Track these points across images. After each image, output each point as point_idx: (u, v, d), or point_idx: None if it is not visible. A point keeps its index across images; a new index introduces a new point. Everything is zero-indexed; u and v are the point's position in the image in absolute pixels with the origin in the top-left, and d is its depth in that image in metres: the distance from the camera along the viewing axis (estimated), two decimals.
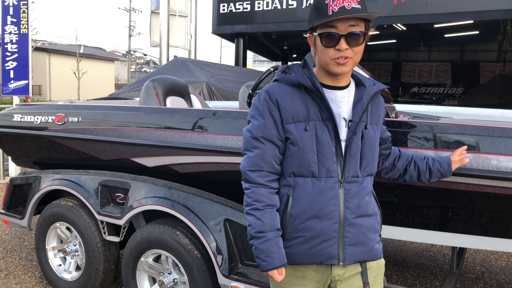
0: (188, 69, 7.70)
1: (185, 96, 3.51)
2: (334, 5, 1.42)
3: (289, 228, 1.57)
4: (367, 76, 1.68)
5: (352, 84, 1.62)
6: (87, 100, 4.41)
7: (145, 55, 50.72)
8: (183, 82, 3.59)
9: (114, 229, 3.04)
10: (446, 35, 17.69)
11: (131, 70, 45.85)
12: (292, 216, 1.56)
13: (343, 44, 1.45)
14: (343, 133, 1.55)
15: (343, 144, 1.54)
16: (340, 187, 1.53)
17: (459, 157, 1.85)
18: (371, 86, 1.61)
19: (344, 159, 1.54)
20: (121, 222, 2.85)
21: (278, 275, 1.54)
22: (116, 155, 2.96)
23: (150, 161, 2.84)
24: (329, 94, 1.56)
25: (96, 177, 3.05)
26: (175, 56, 9.19)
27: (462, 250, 3.08)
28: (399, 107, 4.49)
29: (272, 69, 2.94)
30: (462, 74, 20.46)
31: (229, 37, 14.43)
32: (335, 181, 1.53)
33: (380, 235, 1.65)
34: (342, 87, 1.58)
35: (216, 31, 13.15)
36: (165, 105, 3.28)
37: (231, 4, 12.75)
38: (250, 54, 25.63)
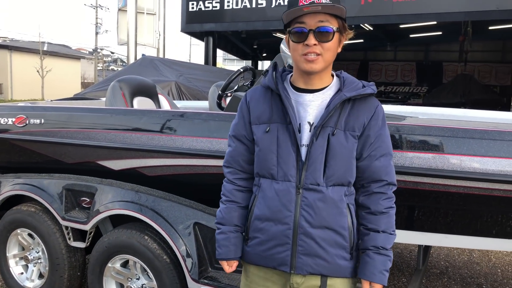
0: (156, 68, 7.59)
1: (153, 96, 3.45)
2: (304, 1, 1.41)
3: (251, 227, 1.59)
4: (363, 82, 1.56)
5: (333, 88, 1.53)
6: (51, 100, 4.26)
7: (112, 53, 49.73)
8: (150, 82, 3.52)
9: (80, 235, 2.94)
10: (411, 36, 18.20)
11: (98, 68, 44.78)
12: (254, 215, 1.57)
13: (311, 39, 1.42)
14: (305, 137, 1.49)
15: (303, 150, 1.49)
16: (297, 193, 1.49)
17: None
18: (350, 91, 1.50)
19: (304, 164, 1.48)
20: (86, 227, 2.76)
21: (226, 266, 1.66)
22: (81, 158, 2.87)
23: (116, 164, 2.77)
24: (297, 97, 1.53)
25: (60, 181, 2.94)
26: (143, 55, 9.02)
27: (427, 247, 3.15)
28: None
29: (242, 70, 2.92)
30: (426, 74, 21.11)
31: (198, 35, 14.33)
32: (293, 186, 1.49)
33: (351, 253, 1.52)
34: (315, 90, 1.52)
35: (185, 29, 13.02)
36: (132, 106, 3.21)
37: (200, 3, 12.67)
38: (220, 52, 25.52)
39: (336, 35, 1.46)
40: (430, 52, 21.40)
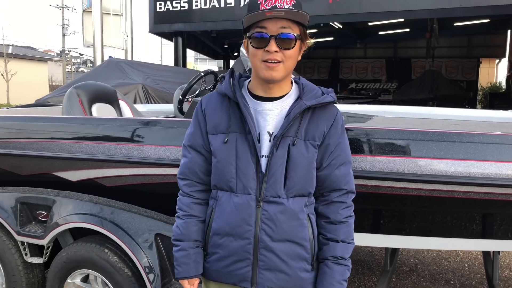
0: (122, 71, 7.40)
1: (113, 102, 3.33)
2: (266, 5, 1.35)
3: (210, 243, 1.52)
4: (322, 89, 1.54)
5: (292, 96, 1.49)
6: (7, 108, 4.08)
7: (81, 54, 48.52)
8: (110, 87, 3.40)
9: (38, 250, 2.81)
10: (380, 33, 18.47)
11: (67, 70, 43.67)
12: (213, 230, 1.51)
13: (272, 45, 1.36)
14: (265, 148, 1.44)
15: (263, 161, 1.43)
16: (257, 207, 1.43)
17: None
18: (310, 99, 1.46)
19: (264, 176, 1.43)
20: (43, 242, 2.64)
21: (187, 285, 1.56)
22: (36, 170, 2.74)
23: (74, 175, 2.65)
24: (256, 106, 1.47)
25: (14, 194, 2.80)
26: (110, 57, 8.80)
27: (395, 248, 3.16)
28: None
29: (202, 74, 2.84)
30: (396, 70, 21.50)
31: (167, 36, 14.14)
32: (252, 199, 1.43)
33: (312, 264, 1.49)
34: (274, 98, 1.47)
35: (153, 30, 12.81)
36: (90, 113, 3.09)
37: (168, 3, 12.49)
38: (191, 52, 25.26)
39: (298, 43, 1.42)
40: (399, 49, 21.78)
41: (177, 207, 1.58)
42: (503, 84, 21.39)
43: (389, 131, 2.01)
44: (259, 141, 1.44)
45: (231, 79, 1.51)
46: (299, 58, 1.47)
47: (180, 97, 2.81)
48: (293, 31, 1.39)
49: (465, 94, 16.47)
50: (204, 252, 1.55)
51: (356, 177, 1.91)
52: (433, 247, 2.25)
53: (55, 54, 46.49)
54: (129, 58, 13.01)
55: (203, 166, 1.53)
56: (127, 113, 3.38)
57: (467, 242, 2.22)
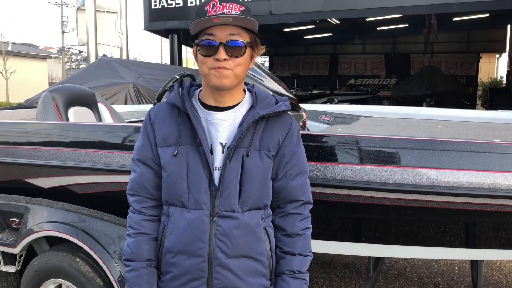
0: (113, 70, 7.35)
1: (91, 105, 3.25)
2: (214, 11, 1.30)
3: (163, 261, 1.45)
4: (277, 96, 1.49)
5: (245, 105, 1.44)
6: None
7: (80, 51, 48.38)
8: (88, 90, 3.32)
9: (13, 257, 2.75)
10: (378, 28, 18.35)
11: (67, 67, 43.60)
12: (165, 248, 1.43)
13: (221, 53, 1.31)
14: (218, 160, 1.38)
15: (216, 173, 1.37)
16: (211, 222, 1.36)
17: None
18: (264, 108, 1.40)
19: (217, 190, 1.36)
20: (15, 250, 2.58)
21: None
22: (7, 177, 2.68)
23: (46, 182, 2.59)
24: (207, 116, 1.41)
25: None
26: (104, 55, 8.75)
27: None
28: (322, 107, 4.49)
29: (177, 77, 2.76)
30: (395, 66, 21.36)
31: (163, 33, 14.06)
32: (206, 214, 1.36)
33: (270, 279, 1.45)
34: (227, 108, 1.41)
35: (148, 28, 12.74)
36: (66, 117, 3.02)
37: (163, 0, 12.39)
38: (189, 49, 25.21)
39: (248, 50, 1.37)
40: (398, 45, 21.63)
41: (127, 225, 1.50)
42: (504, 79, 21.23)
43: (361, 138, 1.93)
44: (211, 152, 1.38)
45: (180, 89, 1.44)
46: (251, 65, 1.43)
47: (155, 100, 2.73)
48: (243, 38, 1.34)
49: (464, 90, 16.34)
50: (157, 271, 1.48)
51: (328, 186, 1.85)
52: (410, 255, 2.18)
53: (56, 51, 46.42)
54: (124, 56, 12.94)
55: (153, 180, 1.45)
56: (106, 116, 3.31)
57: (446, 251, 2.16)
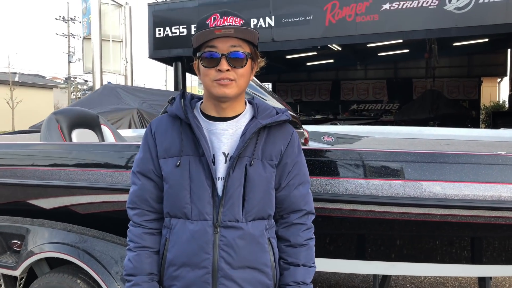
0: (118, 96, 7.44)
1: (95, 127, 3.29)
2: (215, 25, 1.33)
3: (165, 275, 1.43)
4: (277, 107, 1.51)
5: (247, 116, 1.45)
6: None
7: (86, 81, 49.12)
8: (91, 112, 3.37)
9: (14, 280, 2.72)
10: (379, 54, 18.53)
11: (73, 97, 44.17)
12: (167, 261, 1.42)
13: (224, 64, 1.34)
14: (221, 170, 1.38)
15: (219, 183, 1.37)
16: (214, 233, 1.36)
17: None
18: (265, 118, 1.43)
19: (221, 200, 1.36)
20: (16, 272, 2.55)
21: None
22: (9, 198, 2.68)
23: (48, 203, 2.59)
24: (209, 126, 1.42)
25: None
26: (108, 82, 8.88)
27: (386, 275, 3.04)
28: (324, 128, 4.50)
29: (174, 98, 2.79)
30: (397, 90, 21.47)
31: (167, 61, 14.29)
32: (209, 225, 1.36)
33: None
34: (228, 118, 1.43)
35: (152, 56, 12.96)
36: (70, 139, 3.04)
37: (167, 29, 12.67)
38: (195, 76, 25.50)
39: (249, 61, 1.40)
40: (400, 70, 21.82)
41: (127, 239, 1.48)
42: (506, 102, 21.27)
43: (363, 152, 1.93)
44: (214, 163, 1.39)
45: (182, 100, 1.45)
46: (252, 77, 1.45)
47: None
48: (244, 50, 1.37)
49: (466, 113, 16.37)
50: (160, 286, 1.46)
51: (330, 200, 1.84)
52: (416, 273, 2.14)
53: (62, 81, 47.15)
54: (129, 83, 13.11)
55: (154, 193, 1.45)
56: (109, 138, 3.34)
57: (453, 268, 2.11)
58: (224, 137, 1.41)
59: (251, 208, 1.38)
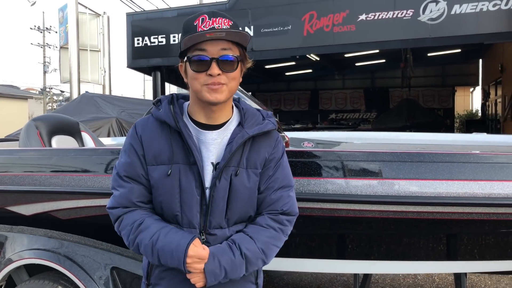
0: (96, 105, 7.38)
1: (75, 134, 3.26)
2: (203, 26, 1.30)
3: (153, 274, 1.45)
4: (262, 114, 1.49)
5: (233, 123, 1.44)
6: None
7: (62, 91, 48.25)
8: (72, 119, 3.34)
9: None
10: (357, 64, 18.88)
11: (49, 108, 43.30)
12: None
13: (214, 68, 1.31)
14: (208, 179, 1.38)
15: (207, 192, 1.37)
16: (201, 240, 1.37)
17: None
18: (252, 127, 1.41)
19: (208, 209, 1.37)
20: None
21: (196, 249, 1.31)
22: None
23: (27, 209, 2.56)
24: (199, 135, 1.40)
25: None
26: (86, 92, 8.78)
27: (366, 274, 3.09)
28: (304, 134, 4.57)
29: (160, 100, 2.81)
30: (374, 100, 21.85)
31: (146, 70, 14.21)
32: (197, 232, 1.38)
33: (256, 283, 1.49)
34: (217, 126, 1.41)
35: (131, 65, 12.88)
36: (50, 146, 3.01)
37: (146, 38, 12.62)
38: (174, 86, 25.39)
39: (239, 64, 1.38)
40: (376, 79, 22.24)
41: (125, 230, 1.39)
42: (479, 111, 21.92)
43: (342, 153, 1.99)
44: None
45: (171, 106, 1.41)
46: (240, 79, 1.43)
47: None
48: (234, 53, 1.35)
49: (441, 122, 16.77)
50: (146, 281, 1.48)
51: (311, 200, 1.88)
52: (395, 271, 2.20)
53: (37, 92, 46.20)
54: (107, 93, 12.98)
55: (145, 195, 1.42)
56: (90, 145, 3.32)
57: (430, 265, 2.18)
58: (213, 146, 1.40)
59: (233, 215, 1.40)
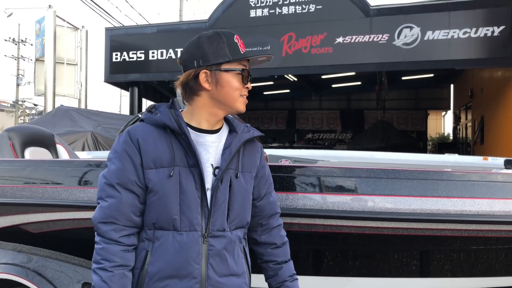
0: (72, 119, 7.27)
1: (50, 146, 3.20)
2: (240, 45, 1.48)
3: None
4: (243, 124, 1.61)
5: (225, 129, 1.53)
6: None
7: (35, 105, 47.26)
8: (46, 130, 3.28)
9: None
10: (333, 85, 19.25)
11: (21, 121, 42.30)
12: (149, 275, 1.38)
13: (250, 83, 1.50)
14: (209, 181, 1.42)
15: (208, 194, 1.41)
16: (203, 243, 1.38)
17: None
18: (244, 133, 1.52)
19: (210, 210, 1.39)
20: None
21: None
22: None
23: None
24: (198, 137, 1.44)
25: None
26: (61, 105, 8.64)
27: None
28: (282, 152, 4.60)
29: (140, 116, 2.80)
30: (350, 121, 22.25)
31: (123, 85, 14.11)
32: (199, 235, 1.38)
33: None
34: (214, 131, 1.49)
35: (108, 80, 12.78)
36: (22, 157, 2.94)
37: (124, 53, 12.57)
38: (151, 102, 25.26)
39: None
40: (352, 101, 22.69)
41: (99, 257, 1.36)
42: (451, 134, 22.58)
43: (320, 169, 2.02)
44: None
45: (172, 110, 1.45)
46: None
47: (117, 135, 2.73)
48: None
49: (415, 144, 17.19)
50: None
51: (288, 215, 1.89)
52: None
53: (8, 105, 45.11)
54: (83, 107, 12.80)
55: (135, 206, 1.40)
56: (64, 157, 3.25)
57: (404, 282, 2.21)
58: (212, 149, 1.46)
59: (234, 217, 1.45)
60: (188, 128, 1.44)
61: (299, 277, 2.23)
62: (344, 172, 1.97)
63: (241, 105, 1.48)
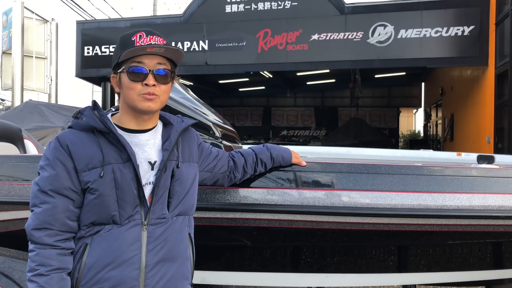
0: (41, 114, 7.03)
1: (17, 141, 3.05)
2: (141, 42, 1.42)
3: (83, 280, 1.37)
4: (179, 115, 1.66)
5: (160, 125, 1.55)
6: None
7: (2, 100, 45.68)
8: (14, 125, 3.13)
9: None
10: (308, 83, 19.38)
11: None
12: (87, 266, 1.38)
13: (150, 79, 1.42)
14: (146, 176, 1.44)
15: (147, 187, 1.43)
16: (143, 230, 1.40)
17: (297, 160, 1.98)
18: (179, 123, 1.57)
19: (150, 201, 1.42)
20: None
21: None
22: None
23: None
24: (131, 138, 1.46)
25: None
26: (30, 100, 8.35)
27: None
28: None
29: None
30: (324, 118, 22.49)
31: (95, 80, 13.80)
32: (137, 223, 1.40)
33: (191, 284, 1.53)
34: (147, 130, 1.50)
35: (79, 75, 12.48)
36: None
37: (97, 47, 12.29)
38: None
39: (172, 78, 1.50)
40: (326, 98, 22.92)
41: (34, 264, 1.35)
42: (421, 131, 23.10)
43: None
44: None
45: (96, 111, 1.46)
46: (170, 93, 1.54)
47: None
48: (168, 67, 1.47)
49: (387, 141, 17.48)
50: None
51: (268, 211, 1.85)
52: (349, 284, 2.20)
53: None
54: (53, 102, 12.42)
55: (70, 210, 1.39)
56: (33, 152, 3.11)
57: (383, 278, 2.20)
58: (148, 147, 1.47)
59: (176, 204, 1.47)
60: (120, 129, 1.46)
61: (278, 274, 2.21)
62: (325, 167, 1.94)
63: (140, 103, 1.42)
